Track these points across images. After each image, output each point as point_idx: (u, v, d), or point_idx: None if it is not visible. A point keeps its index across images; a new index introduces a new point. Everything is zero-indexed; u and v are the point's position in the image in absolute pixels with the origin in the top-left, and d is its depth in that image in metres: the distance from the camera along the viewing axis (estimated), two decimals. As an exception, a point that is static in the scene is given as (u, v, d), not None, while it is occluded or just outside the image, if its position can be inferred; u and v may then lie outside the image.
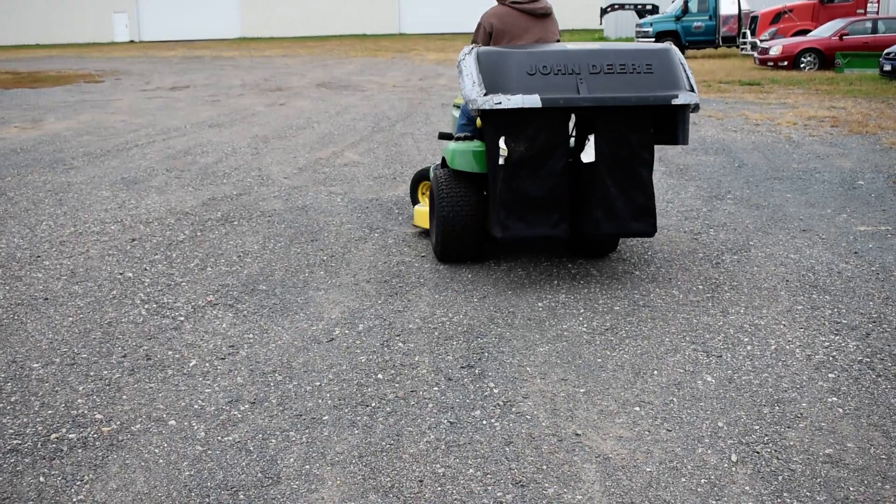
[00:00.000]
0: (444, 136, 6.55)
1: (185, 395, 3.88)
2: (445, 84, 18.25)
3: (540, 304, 4.93)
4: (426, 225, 6.27)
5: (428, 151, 9.89)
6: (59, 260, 5.90)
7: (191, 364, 4.20)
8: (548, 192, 5.05)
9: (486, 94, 4.86)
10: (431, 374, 4.04)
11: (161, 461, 3.34)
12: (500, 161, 4.99)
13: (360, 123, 12.47)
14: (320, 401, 3.80)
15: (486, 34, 5.63)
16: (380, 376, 4.03)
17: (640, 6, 33.76)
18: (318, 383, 3.97)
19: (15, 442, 3.50)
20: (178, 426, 3.60)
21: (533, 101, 4.82)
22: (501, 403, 3.76)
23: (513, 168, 5.01)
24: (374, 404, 3.76)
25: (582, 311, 4.81)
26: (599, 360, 4.18)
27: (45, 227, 6.84)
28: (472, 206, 5.46)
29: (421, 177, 6.74)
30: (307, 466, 3.29)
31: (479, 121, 5.33)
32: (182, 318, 4.79)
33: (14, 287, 5.37)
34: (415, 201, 6.79)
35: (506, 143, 4.97)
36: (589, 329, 4.56)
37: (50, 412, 3.74)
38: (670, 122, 5.21)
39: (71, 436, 3.54)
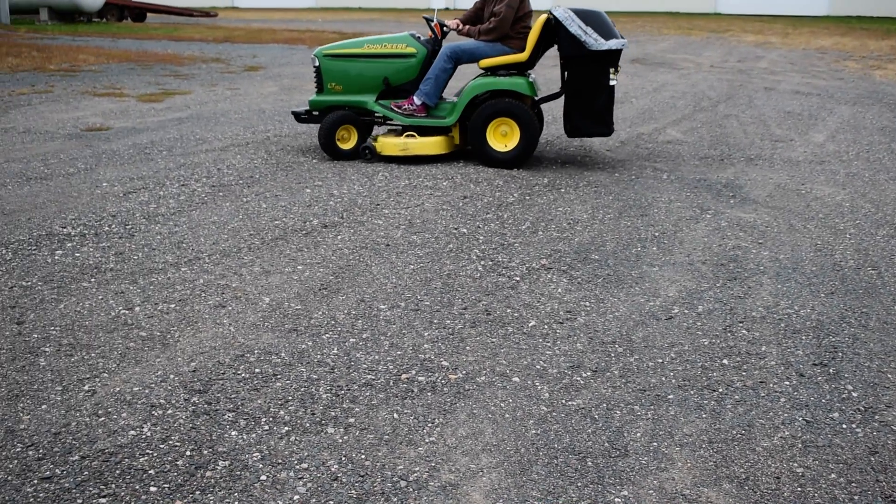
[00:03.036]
0: (301, 115, 8.09)
1: (526, 354, 3.89)
2: (767, 67, 17.37)
3: (897, 307, 4.54)
4: (433, 151, 7.75)
5: (755, 135, 9.44)
6: (397, 210, 6.14)
7: (530, 324, 4.21)
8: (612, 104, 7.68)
9: (607, 39, 7.29)
10: (781, 368, 3.81)
11: (507, 416, 3.36)
12: (613, 83, 7.48)
13: (679, 101, 12.14)
14: (664, 378, 3.69)
15: (520, 1, 7.65)
16: (725, 362, 3.85)
17: None
18: (661, 360, 3.85)
19: (369, 377, 3.65)
20: (521, 384, 3.62)
21: (626, 43, 7.40)
22: (862, 409, 3.47)
23: (611, 88, 7.51)
24: (720, 390, 3.60)
25: (947, 320, 4.38)
26: (974, 376, 3.77)
27: (381, 177, 7.15)
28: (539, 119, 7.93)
29: (337, 122, 7.82)
30: (654, 444, 3.19)
31: (482, 63, 7.64)
32: (518, 279, 4.82)
33: (358, 231, 5.63)
34: (333, 149, 7.86)
35: (614, 72, 7.42)
36: (958, 341, 4.13)
37: (399, 353, 3.87)
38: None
39: (420, 378, 3.64)
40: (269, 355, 3.84)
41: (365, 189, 6.73)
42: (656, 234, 5.69)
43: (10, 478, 2.96)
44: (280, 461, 3.04)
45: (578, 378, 3.67)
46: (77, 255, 5.19)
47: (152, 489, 2.89)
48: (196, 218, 5.94)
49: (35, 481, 2.94)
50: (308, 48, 21.38)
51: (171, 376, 3.65)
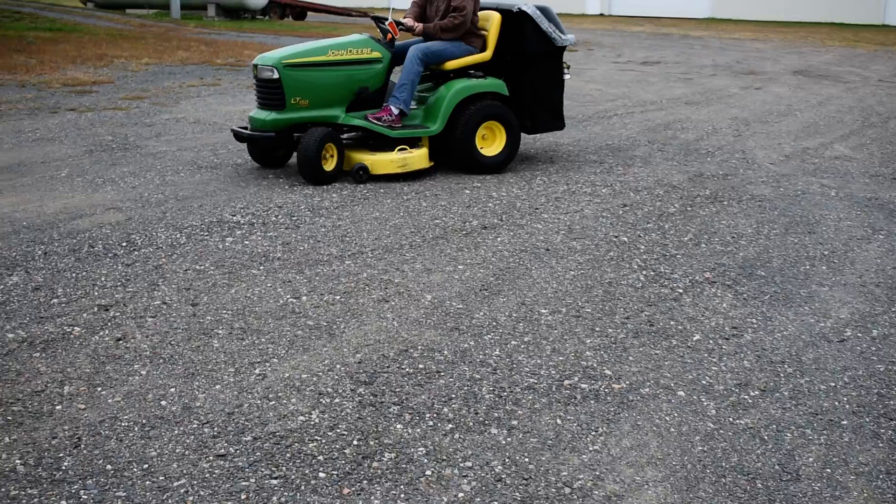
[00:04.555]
0: (240, 134, 7.15)
1: (691, 368, 3.81)
2: (940, 84, 16.52)
3: None
4: (426, 164, 7.18)
5: (930, 155, 8.99)
6: (556, 215, 6.11)
7: (694, 338, 4.12)
8: None
9: (565, 36, 7.49)
10: (964, 400, 3.62)
11: (672, 430, 3.30)
12: (567, 76, 7.81)
13: (846, 116, 11.67)
14: (836, 403, 3.55)
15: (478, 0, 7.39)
16: (903, 390, 3.68)
17: None
18: (833, 384, 3.71)
19: (531, 380, 3.65)
20: (686, 398, 3.54)
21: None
22: None
23: (563, 82, 7.80)
24: (898, 419, 3.44)
25: None
26: None
27: (539, 181, 7.14)
28: None
29: (322, 140, 6.76)
30: (828, 470, 3.07)
31: (448, 64, 7.25)
32: (681, 291, 4.73)
33: (517, 234, 5.64)
34: (319, 173, 6.80)
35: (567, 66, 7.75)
36: None
37: (561, 359, 3.86)
38: None
39: (583, 385, 3.62)
40: (432, 352, 3.89)
41: (523, 192, 6.73)
42: (825, 252, 5.49)
43: (187, 452, 3.09)
44: (445, 458, 3.07)
45: (746, 397, 3.58)
46: (246, 242, 5.38)
47: (321, 475, 2.96)
48: (358, 213, 6.07)
49: (211, 458, 3.06)
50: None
51: (338, 366, 3.73)
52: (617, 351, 3.95)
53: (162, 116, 9.82)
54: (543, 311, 4.39)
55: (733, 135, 9.79)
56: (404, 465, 3.02)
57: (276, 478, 2.94)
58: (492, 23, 7.41)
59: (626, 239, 5.59)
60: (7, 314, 4.28)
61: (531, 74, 7.59)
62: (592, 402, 3.49)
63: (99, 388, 3.54)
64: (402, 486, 2.90)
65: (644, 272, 4.99)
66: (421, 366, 3.75)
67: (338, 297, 4.51)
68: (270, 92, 6.89)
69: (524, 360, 3.83)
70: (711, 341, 4.09)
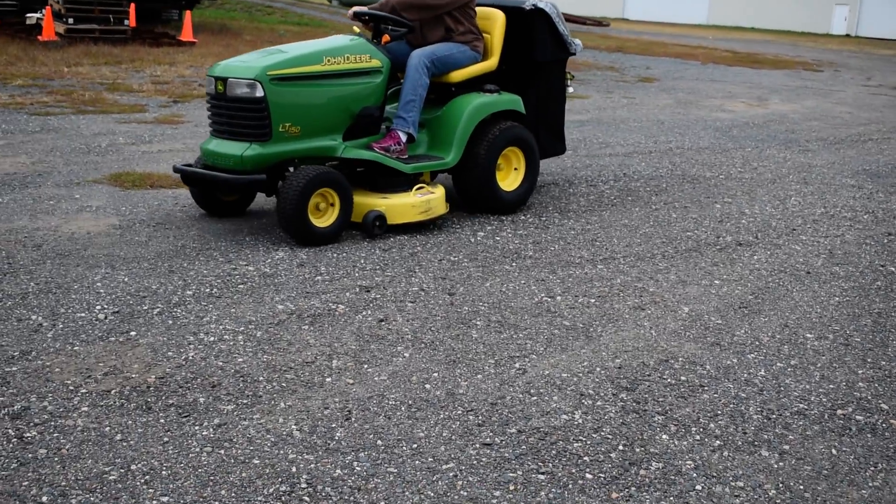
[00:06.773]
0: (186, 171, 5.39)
1: (978, 412, 3.53)
2: None
3: None
4: (444, 208, 5.70)
5: None
6: (815, 237, 5.84)
7: (979, 381, 3.82)
8: None
9: (576, 41, 6.30)
10: None
11: (962, 476, 3.07)
12: (570, 89, 6.61)
13: None
14: None
15: None
16: None
17: None
18: None
19: (801, 405, 3.49)
20: (975, 444, 3.29)
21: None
22: None
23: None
24: None
25: None
26: None
27: (793, 202, 6.85)
28: None
29: (315, 183, 5.04)
30: None
31: (453, 75, 5.77)
32: (960, 329, 4.41)
33: (774, 254, 5.43)
34: (306, 227, 5.05)
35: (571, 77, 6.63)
36: None
37: (831, 387, 3.67)
38: None
39: (858, 417, 3.42)
40: (694, 365, 3.79)
41: (777, 212, 6.47)
42: None
43: (454, 437, 3.14)
44: (714, 474, 2.97)
45: None
46: (497, 238, 5.44)
47: (588, 476, 2.93)
48: (607, 218, 6.02)
49: (477, 445, 3.09)
50: (701, 64, 21.00)
51: (598, 369, 3.70)
52: (893, 385, 3.72)
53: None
54: (809, 335, 4.19)
55: None
56: (673, 477, 2.95)
57: (542, 473, 2.94)
58: (495, 23, 5.99)
59: (893, 269, 5.26)
60: (276, 286, 4.51)
61: (537, 87, 6.32)
62: (869, 435, 3.29)
63: (365, 366, 3.66)
64: (671, 498, 2.83)
65: (917, 306, 4.69)
66: (683, 378, 3.66)
67: (592, 301, 4.48)
68: (248, 116, 5.10)
69: (792, 383, 3.67)
70: None
